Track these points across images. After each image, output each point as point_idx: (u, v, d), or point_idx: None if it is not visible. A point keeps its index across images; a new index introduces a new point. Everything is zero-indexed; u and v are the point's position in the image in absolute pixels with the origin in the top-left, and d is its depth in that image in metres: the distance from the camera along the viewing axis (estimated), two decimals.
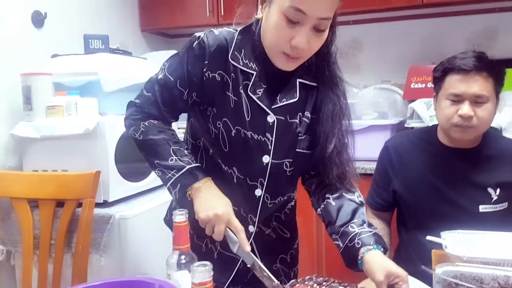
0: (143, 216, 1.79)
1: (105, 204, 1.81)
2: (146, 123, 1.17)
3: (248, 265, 1.07)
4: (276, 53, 1.08)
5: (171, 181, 1.12)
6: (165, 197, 1.99)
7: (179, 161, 1.12)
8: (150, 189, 2.02)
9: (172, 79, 1.15)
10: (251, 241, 1.22)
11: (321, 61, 1.16)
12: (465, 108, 1.39)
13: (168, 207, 1.37)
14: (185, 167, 1.11)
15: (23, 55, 2.02)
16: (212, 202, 1.08)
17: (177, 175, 1.11)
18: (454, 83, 1.40)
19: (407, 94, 2.34)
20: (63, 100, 1.87)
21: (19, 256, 1.82)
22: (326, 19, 1.03)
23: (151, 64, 2.19)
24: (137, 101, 1.20)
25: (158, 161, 1.14)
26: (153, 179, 2.03)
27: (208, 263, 0.65)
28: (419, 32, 2.71)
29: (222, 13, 2.69)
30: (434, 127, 1.56)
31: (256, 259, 1.07)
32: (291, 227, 1.35)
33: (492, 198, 1.44)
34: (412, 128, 2.23)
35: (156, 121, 1.18)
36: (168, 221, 1.36)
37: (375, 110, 2.43)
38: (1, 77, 1.92)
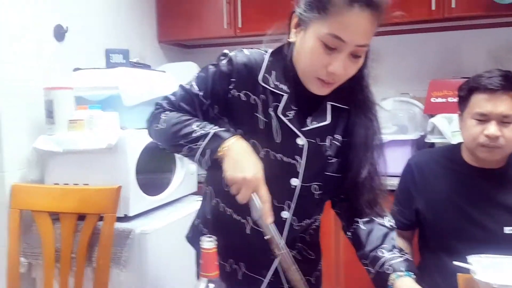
0: (163, 231, 1.80)
1: (125, 218, 1.82)
2: (167, 112, 1.16)
3: (265, 238, 1.04)
4: (310, 78, 1.07)
5: (199, 151, 1.06)
6: (184, 210, 2.00)
7: (203, 130, 1.07)
8: (169, 202, 2.02)
9: (197, 89, 1.15)
10: (276, 262, 1.20)
11: (354, 84, 1.13)
12: (492, 128, 1.37)
13: (191, 225, 1.36)
14: (210, 132, 1.06)
15: (45, 68, 2.04)
16: (242, 163, 1.01)
17: (204, 143, 1.06)
18: (480, 102, 1.39)
19: (427, 108, 2.32)
20: (85, 114, 1.88)
21: (40, 268, 1.84)
22: (364, 46, 1.03)
23: (170, 77, 2.20)
24: (162, 101, 1.20)
25: (184, 140, 1.09)
26: (172, 192, 2.04)
27: None
28: (439, 44, 2.69)
29: (240, 25, 2.69)
30: (458, 145, 1.54)
31: (275, 235, 1.03)
32: (315, 248, 1.33)
33: None
34: (433, 144, 2.22)
35: (176, 112, 1.16)
36: (191, 238, 1.35)
37: (394, 123, 2.41)
38: (24, 90, 1.94)
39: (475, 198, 1.45)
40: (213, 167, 1.07)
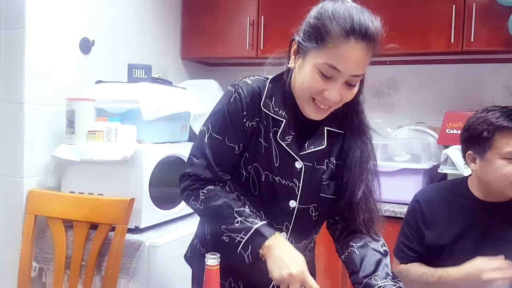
0: (172, 245, 1.82)
1: (136, 230, 1.85)
2: (204, 191, 1.17)
3: None
4: (306, 102, 1.12)
5: (241, 245, 1.10)
6: (194, 226, 2.00)
7: (245, 223, 1.10)
8: (180, 217, 2.05)
9: (220, 138, 1.17)
10: (273, 284, 1.22)
11: (350, 110, 1.19)
12: None
13: (189, 244, 1.39)
14: (252, 227, 1.09)
15: (69, 79, 2.11)
16: (286, 260, 1.06)
17: (246, 237, 1.09)
18: (510, 142, 1.38)
19: (442, 139, 2.32)
20: (104, 125, 1.94)
21: (51, 274, 1.88)
22: (358, 75, 1.08)
23: (191, 94, 2.25)
24: (190, 171, 1.19)
25: (224, 226, 1.13)
26: (184, 207, 2.07)
27: None
28: (456, 76, 2.70)
29: (262, 47, 2.75)
30: (465, 180, 1.55)
31: None
32: (311, 269, 1.35)
33: None
34: (446, 174, 2.23)
35: (213, 186, 1.17)
36: (189, 258, 1.38)
37: (408, 151, 2.42)
38: (48, 99, 2.01)
39: (486, 232, 1.45)
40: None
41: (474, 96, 2.62)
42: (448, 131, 2.29)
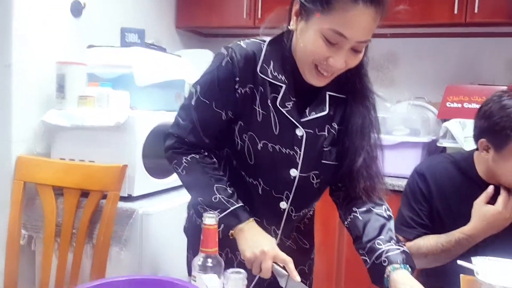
0: (166, 213, 1.78)
1: (129, 198, 1.81)
2: (188, 158, 1.15)
3: None
4: (308, 69, 1.06)
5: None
6: (189, 196, 1.98)
7: (222, 201, 1.10)
8: (175, 187, 2.00)
9: (208, 102, 1.12)
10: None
11: (352, 73, 1.13)
12: None
13: (186, 216, 1.35)
14: (229, 208, 1.09)
15: (60, 43, 2.03)
16: (257, 240, 1.07)
17: (220, 215, 1.08)
18: None
19: (442, 113, 2.28)
20: (96, 91, 1.88)
21: (40, 242, 1.83)
22: (365, 41, 1.02)
23: (185, 61, 2.18)
24: (174, 131, 1.17)
25: (201, 199, 1.13)
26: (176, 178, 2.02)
27: (242, 270, 0.62)
28: (458, 50, 2.65)
29: (259, 16, 2.67)
30: (471, 156, 1.46)
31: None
32: (310, 237, 1.34)
33: None
34: (445, 148, 2.19)
35: (198, 155, 1.15)
36: (187, 229, 1.35)
37: (407, 126, 2.39)
38: (37, 64, 1.94)
39: None
40: None
41: (475, 71, 2.58)
42: (449, 104, 2.25)
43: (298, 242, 1.30)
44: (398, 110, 2.50)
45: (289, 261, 1.05)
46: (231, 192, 1.12)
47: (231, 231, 1.09)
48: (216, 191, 1.11)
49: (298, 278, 1.03)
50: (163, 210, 1.78)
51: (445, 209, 1.45)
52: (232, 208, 1.09)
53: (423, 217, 1.47)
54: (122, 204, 1.74)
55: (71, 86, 1.88)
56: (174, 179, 2.01)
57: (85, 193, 1.74)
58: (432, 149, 2.37)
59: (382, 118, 2.35)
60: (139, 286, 0.86)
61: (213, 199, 1.10)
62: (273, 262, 1.05)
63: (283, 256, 1.05)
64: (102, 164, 1.75)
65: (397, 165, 2.13)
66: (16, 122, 1.87)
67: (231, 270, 0.61)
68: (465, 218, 1.40)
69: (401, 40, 2.72)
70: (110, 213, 1.68)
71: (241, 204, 1.11)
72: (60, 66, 1.89)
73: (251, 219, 1.11)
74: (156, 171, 1.90)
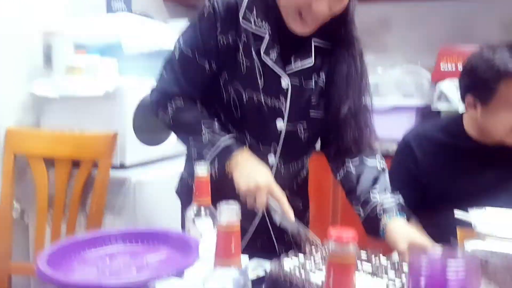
0: (159, 182, 1.76)
1: (121, 167, 1.78)
2: (172, 103, 1.13)
3: (292, 234, 1.05)
4: (292, 16, 1.04)
5: (209, 159, 1.09)
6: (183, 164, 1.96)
7: (213, 138, 1.08)
8: (169, 156, 1.98)
9: (191, 54, 1.10)
10: (263, 210, 1.18)
11: (337, 20, 1.10)
12: None
13: (179, 179, 1.34)
14: (220, 143, 1.08)
15: (45, 12, 1.98)
16: (252, 173, 1.05)
17: (212, 152, 1.08)
18: None
19: (436, 76, 2.26)
20: (84, 60, 1.83)
21: (33, 214, 1.81)
22: None
23: (174, 31, 2.14)
24: (159, 85, 1.17)
25: (192, 139, 1.12)
26: (173, 146, 2.00)
27: (235, 202, 0.61)
28: (450, 13, 2.61)
29: None
30: (460, 118, 1.44)
31: (302, 229, 1.04)
32: (303, 198, 1.32)
33: None
34: (439, 112, 2.17)
35: (182, 100, 1.14)
36: (180, 192, 1.34)
37: (400, 91, 2.38)
38: (22, 33, 1.89)
39: (483, 176, 1.37)
40: None
41: (469, 34, 2.53)
42: (443, 67, 2.22)
43: (290, 201, 1.28)
44: (391, 75, 2.47)
45: (283, 200, 1.03)
46: (219, 127, 1.10)
47: (226, 166, 1.07)
48: (204, 129, 1.09)
49: (291, 216, 1.02)
50: (157, 179, 1.76)
51: (437, 178, 1.41)
52: (223, 143, 1.08)
53: (412, 191, 1.42)
54: (114, 173, 1.72)
55: (58, 56, 1.84)
56: (166, 148, 1.98)
57: (76, 163, 1.72)
58: (426, 113, 2.34)
59: (375, 83, 2.34)
60: (132, 239, 0.84)
61: (202, 138, 1.09)
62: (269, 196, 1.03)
63: (278, 192, 1.04)
64: (92, 134, 1.72)
65: (390, 130, 2.11)
66: (3, 94, 1.83)
67: (224, 202, 0.60)
68: (459, 185, 1.38)
69: (393, 4, 2.68)
70: (102, 182, 1.66)
71: (232, 135, 1.10)
72: (46, 37, 1.85)
73: (245, 148, 1.09)
74: (149, 139, 1.88)
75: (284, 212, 1.02)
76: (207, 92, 1.16)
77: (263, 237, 1.24)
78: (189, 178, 1.26)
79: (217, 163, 1.07)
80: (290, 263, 0.88)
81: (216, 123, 1.11)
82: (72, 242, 0.77)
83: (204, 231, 0.86)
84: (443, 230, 1.36)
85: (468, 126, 1.40)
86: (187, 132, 1.13)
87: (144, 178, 1.74)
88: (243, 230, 1.18)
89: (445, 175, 1.41)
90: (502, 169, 1.38)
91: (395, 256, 0.95)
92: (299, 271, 0.85)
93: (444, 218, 1.36)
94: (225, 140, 1.08)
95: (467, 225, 1.12)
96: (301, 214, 1.32)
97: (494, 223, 1.10)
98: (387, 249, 1.13)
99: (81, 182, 1.70)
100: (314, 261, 0.89)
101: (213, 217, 0.91)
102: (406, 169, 1.45)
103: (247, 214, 1.19)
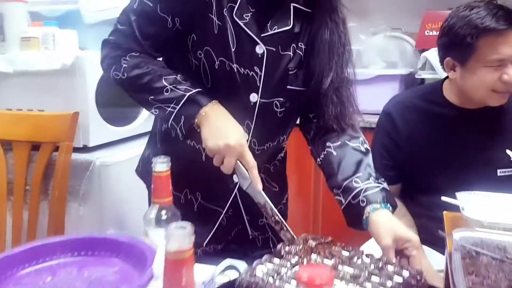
0: (126, 164, 1.63)
1: (85, 149, 1.66)
2: (127, 58, 0.98)
3: (258, 204, 0.96)
4: None
5: (173, 116, 0.95)
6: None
7: (176, 91, 0.95)
8: (137, 136, 1.85)
9: (151, 4, 0.96)
10: (235, 192, 1.10)
11: None
12: None
13: (140, 157, 1.24)
14: (185, 95, 0.94)
15: None
16: (224, 130, 0.93)
17: (178, 107, 0.94)
18: (497, 47, 1.22)
19: (420, 42, 2.16)
20: (40, 31, 1.69)
21: None
22: None
23: None
24: (112, 38, 1.01)
25: (152, 97, 0.96)
26: (141, 124, 1.87)
27: (188, 224, 0.49)
28: None
29: None
30: (439, 85, 1.41)
31: (268, 200, 0.94)
32: (280, 180, 1.22)
33: None
34: (424, 80, 2.09)
35: (138, 54, 0.99)
36: (141, 172, 1.25)
37: (383, 59, 2.29)
38: None
39: (464, 141, 1.35)
40: None
41: None
42: (427, 33, 2.12)
43: (265, 184, 1.17)
44: (374, 42, 2.36)
45: (253, 166, 0.93)
46: (183, 80, 0.97)
47: (194, 122, 0.94)
48: (166, 83, 0.95)
49: (259, 187, 0.92)
50: (123, 161, 1.64)
51: (416, 143, 1.39)
52: (188, 94, 0.94)
53: (395, 161, 1.42)
54: (77, 156, 1.60)
55: (11, 26, 1.70)
56: (135, 126, 1.86)
57: (36, 146, 1.59)
58: (410, 82, 2.25)
59: (357, 51, 2.23)
60: (77, 249, 0.73)
61: (165, 93, 0.95)
62: (238, 160, 0.93)
63: (249, 158, 0.93)
64: (51, 113, 1.58)
65: (374, 101, 2.01)
66: None
67: (174, 225, 0.49)
68: (442, 152, 1.36)
69: None
70: (63, 166, 1.53)
71: (200, 89, 0.96)
72: None
73: (215, 101, 0.96)
74: (115, 119, 1.75)
75: (252, 181, 0.92)
76: (171, 56, 1.04)
77: (236, 223, 1.16)
78: (153, 155, 1.15)
79: (183, 119, 0.94)
80: (263, 269, 0.78)
81: (179, 76, 0.97)
82: (4, 257, 0.65)
83: (158, 239, 0.75)
84: (428, 209, 1.35)
85: (448, 92, 1.39)
86: (145, 91, 0.97)
87: (110, 160, 1.62)
88: (215, 212, 1.11)
89: (427, 143, 1.39)
90: (484, 134, 1.36)
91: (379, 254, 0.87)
92: (273, 279, 0.75)
93: (428, 192, 1.37)
94: (192, 92, 0.95)
95: (455, 209, 1.05)
96: (278, 197, 1.23)
97: (482, 207, 1.04)
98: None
99: (41, 166, 1.57)
100: (291, 265, 0.79)
101: (176, 218, 0.81)
102: (388, 139, 1.43)
103: (219, 194, 1.11)
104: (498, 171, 1.33)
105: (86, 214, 1.61)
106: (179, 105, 0.94)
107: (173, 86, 0.95)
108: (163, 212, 0.80)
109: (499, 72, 1.24)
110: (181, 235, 0.46)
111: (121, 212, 1.64)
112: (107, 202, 1.60)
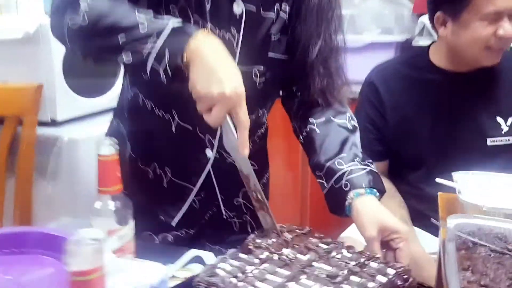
0: (97, 139, 1.53)
1: (52, 123, 1.57)
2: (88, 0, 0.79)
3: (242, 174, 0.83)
4: None
5: (154, 54, 0.75)
6: None
7: (155, 22, 0.76)
8: (109, 109, 1.73)
9: None
10: (209, 169, 1.00)
11: None
12: (508, 27, 1.17)
13: (108, 128, 1.13)
14: (167, 24, 0.76)
15: None
16: (219, 71, 0.74)
17: (159, 40, 0.75)
18: None
19: (418, 6, 2.04)
20: None
21: None
22: None
23: None
24: None
25: (124, 36, 0.76)
26: (116, 95, 1.74)
27: (100, 233, 0.39)
28: None
29: None
30: (425, 50, 1.37)
31: (253, 172, 0.81)
32: (260, 158, 1.12)
33: (502, 129, 1.28)
34: (420, 47, 1.98)
35: None
36: None
37: (378, 25, 2.16)
38: None
39: (452, 108, 1.30)
40: None
41: None
42: None
43: None
44: (368, 6, 2.22)
45: (245, 127, 0.76)
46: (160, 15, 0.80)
47: (182, 59, 0.75)
48: (140, 18, 0.77)
49: (245, 152, 0.77)
50: (95, 136, 1.53)
51: (402, 113, 1.34)
52: (172, 24, 0.76)
53: (373, 130, 1.36)
54: (44, 131, 1.51)
55: None
56: (109, 100, 1.73)
57: None
58: (406, 49, 2.13)
59: (350, 16, 2.12)
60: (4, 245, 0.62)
61: (140, 29, 0.76)
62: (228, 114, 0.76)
63: (242, 114, 0.76)
64: (14, 85, 1.49)
65: (367, 71, 1.91)
66: None
67: (84, 231, 0.38)
68: (431, 122, 1.31)
69: None
70: (28, 141, 1.45)
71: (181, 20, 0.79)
72: None
73: (206, 30, 0.80)
74: (85, 90, 1.64)
75: (239, 143, 0.77)
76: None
77: (209, 204, 1.06)
78: (122, 123, 1.06)
79: (168, 56, 0.75)
80: (226, 268, 0.68)
81: (155, 13, 0.80)
82: None
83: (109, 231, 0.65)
84: (418, 188, 1.30)
85: (435, 56, 1.34)
86: (114, 31, 0.77)
87: (79, 135, 1.53)
88: (186, 189, 1.01)
89: (414, 112, 1.34)
90: (473, 100, 1.32)
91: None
92: (237, 280, 0.65)
93: (416, 167, 1.32)
94: (174, 21, 0.77)
95: (451, 190, 0.97)
96: (257, 176, 1.13)
97: (480, 190, 0.95)
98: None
99: (5, 143, 1.48)
100: (259, 262, 0.69)
101: (126, 209, 0.70)
102: (372, 111, 1.37)
103: (190, 170, 1.01)
104: (488, 140, 1.28)
105: (56, 192, 1.53)
106: (161, 38, 0.75)
107: (149, 18, 0.77)
108: (110, 202, 0.70)
109: (494, 26, 1.18)
110: (87, 252, 0.34)
111: (93, 192, 1.54)
112: (78, 179, 1.52)
